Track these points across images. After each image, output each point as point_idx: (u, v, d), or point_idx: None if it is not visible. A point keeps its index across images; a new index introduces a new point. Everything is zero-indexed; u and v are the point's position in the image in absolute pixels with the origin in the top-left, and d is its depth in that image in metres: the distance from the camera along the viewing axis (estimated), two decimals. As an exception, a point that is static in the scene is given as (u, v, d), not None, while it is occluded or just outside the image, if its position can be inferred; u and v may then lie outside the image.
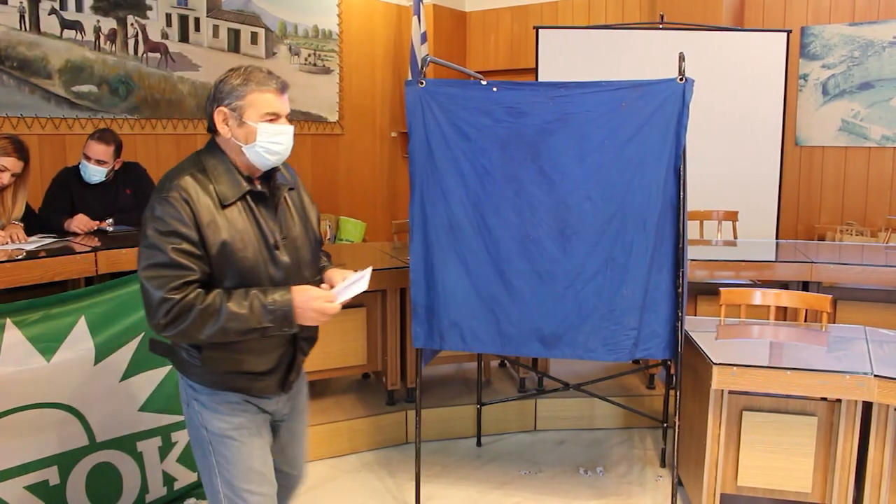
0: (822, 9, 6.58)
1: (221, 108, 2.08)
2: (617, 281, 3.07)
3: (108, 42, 5.32)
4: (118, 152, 3.96)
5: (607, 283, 3.07)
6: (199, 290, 2.00)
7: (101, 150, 3.88)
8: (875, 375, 2.79)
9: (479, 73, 4.22)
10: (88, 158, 3.87)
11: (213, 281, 2.05)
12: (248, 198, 2.11)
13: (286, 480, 2.42)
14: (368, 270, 2.16)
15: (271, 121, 2.10)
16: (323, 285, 2.22)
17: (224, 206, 2.05)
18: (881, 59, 6.35)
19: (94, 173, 3.89)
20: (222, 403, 2.18)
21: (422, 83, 3.01)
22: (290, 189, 2.26)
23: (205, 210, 2.02)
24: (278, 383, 2.24)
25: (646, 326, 3.12)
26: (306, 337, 2.27)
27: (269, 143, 2.10)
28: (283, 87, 2.15)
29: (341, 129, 7.15)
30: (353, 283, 2.14)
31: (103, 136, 3.92)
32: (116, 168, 3.98)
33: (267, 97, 2.10)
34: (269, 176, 2.20)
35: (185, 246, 1.98)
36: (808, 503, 3.12)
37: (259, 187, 2.16)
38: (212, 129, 2.13)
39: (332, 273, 2.27)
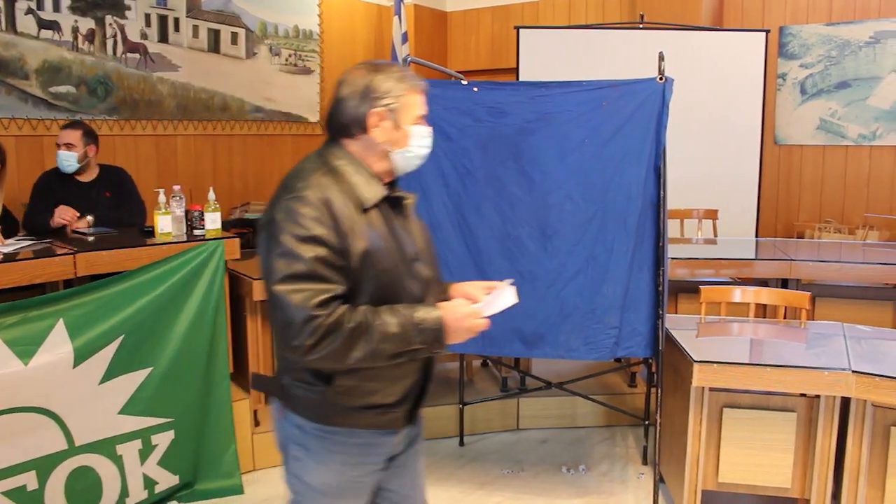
0: (800, 9, 6.63)
1: (379, 109, 1.86)
2: (598, 280, 3.09)
3: (87, 42, 5.27)
4: (89, 138, 3.99)
5: (588, 283, 3.09)
6: (346, 305, 1.76)
7: (67, 133, 3.93)
8: (853, 371, 2.82)
9: (459, 72, 4.22)
10: (59, 146, 3.92)
11: (351, 296, 1.80)
12: (384, 204, 1.88)
13: None
14: (510, 284, 1.95)
15: (419, 123, 1.93)
16: (457, 299, 1.96)
17: (364, 211, 1.82)
18: (857, 59, 6.41)
19: (65, 158, 3.90)
20: (336, 451, 1.91)
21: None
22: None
23: (345, 214, 1.78)
24: (406, 415, 1.97)
25: (627, 325, 3.14)
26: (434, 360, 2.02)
27: (419, 146, 1.92)
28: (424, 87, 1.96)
29: (322, 130, 7.13)
30: (498, 297, 1.94)
31: (71, 122, 4.02)
32: (90, 155, 3.99)
33: (418, 98, 1.92)
34: (393, 182, 1.99)
35: (327, 254, 1.74)
36: (789, 498, 3.15)
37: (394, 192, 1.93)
38: (340, 131, 1.91)
39: (468, 287, 2.03)
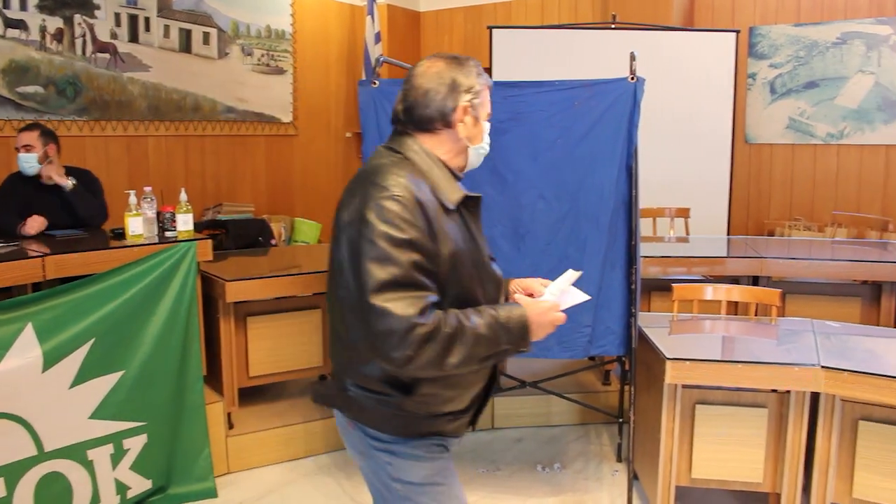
0: (769, 9, 6.72)
1: (464, 104, 1.82)
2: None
3: (55, 42, 5.21)
4: (47, 137, 3.95)
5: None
6: (440, 311, 1.70)
7: (24, 136, 3.89)
8: (822, 367, 2.86)
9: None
10: (17, 150, 3.88)
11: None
12: (461, 204, 1.83)
13: None
14: (574, 273, 1.94)
15: (488, 120, 1.92)
16: (517, 296, 1.96)
17: (447, 211, 1.77)
18: (825, 59, 6.50)
19: (25, 160, 3.87)
20: (419, 447, 1.86)
21: (375, 83, 3.00)
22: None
23: (434, 216, 1.72)
24: (470, 420, 1.96)
25: (600, 323, 3.16)
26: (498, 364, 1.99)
27: (487, 143, 1.91)
28: None
29: (295, 130, 7.09)
30: (566, 289, 1.92)
31: (27, 125, 3.98)
32: (51, 154, 3.95)
33: (489, 95, 1.90)
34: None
35: (422, 259, 1.68)
36: (760, 492, 3.19)
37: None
38: (420, 125, 1.84)
39: (527, 282, 2.02)
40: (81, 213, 3.94)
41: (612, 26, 5.98)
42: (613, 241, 3.10)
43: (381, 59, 3.34)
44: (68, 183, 3.90)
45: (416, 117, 1.83)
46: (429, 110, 1.81)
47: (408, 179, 1.73)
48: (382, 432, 1.84)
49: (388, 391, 1.80)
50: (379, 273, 1.64)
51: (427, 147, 1.83)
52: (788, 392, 3.01)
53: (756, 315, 3.67)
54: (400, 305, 1.63)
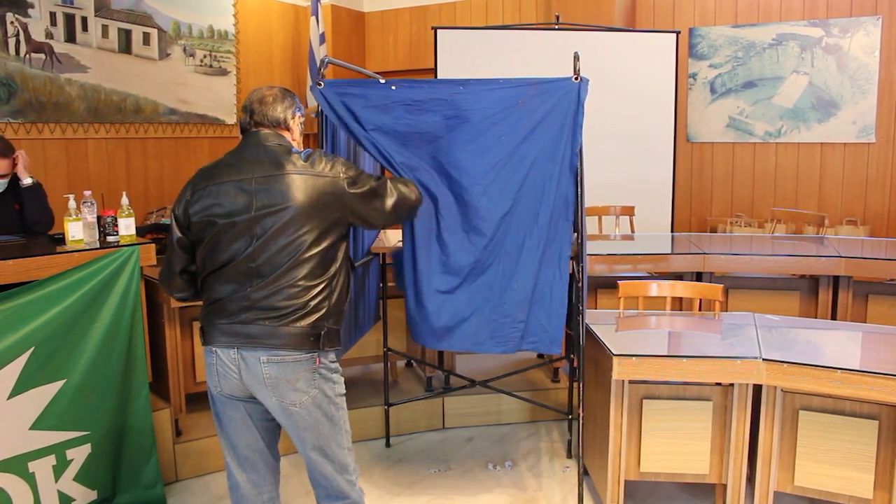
0: (708, 11, 6.87)
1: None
2: (508, 275, 3.09)
3: (-13, 42, 5.05)
4: (11, 152, 3.83)
5: (499, 277, 3.09)
6: None
7: (3, 164, 3.76)
8: (763, 359, 2.93)
9: (378, 73, 4.21)
10: None
11: None
12: None
13: None
14: None
15: None
16: None
17: None
18: (762, 60, 6.68)
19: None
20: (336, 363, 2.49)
21: (320, 84, 2.97)
22: None
23: None
24: None
25: (534, 320, 3.14)
26: None
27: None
28: None
29: (240, 132, 6.99)
30: None
31: (2, 149, 3.76)
32: (16, 161, 3.84)
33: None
34: None
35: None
36: (707, 484, 3.25)
37: None
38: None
39: None
40: (29, 215, 3.82)
41: (556, 27, 6.05)
42: (552, 240, 3.08)
43: (326, 60, 3.32)
44: (28, 179, 3.80)
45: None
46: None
47: (325, 153, 2.51)
48: (332, 350, 2.44)
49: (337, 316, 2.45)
50: (377, 181, 2.57)
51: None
52: (732, 385, 3.09)
53: (700, 310, 3.75)
54: (401, 184, 2.72)
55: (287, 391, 2.36)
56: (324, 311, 2.38)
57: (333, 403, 2.46)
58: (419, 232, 3.08)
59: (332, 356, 2.46)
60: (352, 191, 2.44)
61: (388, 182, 2.64)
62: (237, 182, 2.36)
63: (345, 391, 2.52)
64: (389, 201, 2.60)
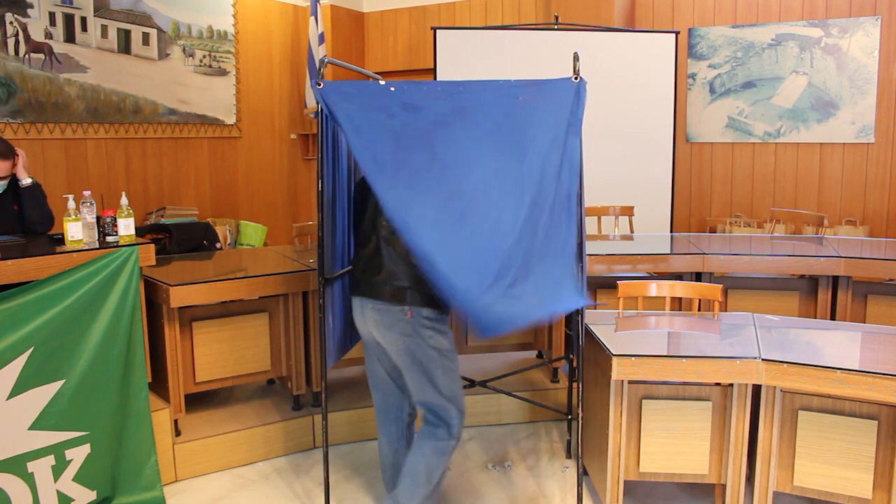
0: (707, 11, 6.87)
1: None
2: (511, 274, 3.08)
3: (-14, 42, 5.05)
4: (12, 153, 3.81)
5: (495, 269, 3.07)
6: None
7: (3, 166, 3.74)
8: (763, 359, 2.93)
9: (377, 73, 4.21)
10: None
11: None
12: None
13: None
14: None
15: None
16: None
17: None
18: (761, 60, 6.68)
19: None
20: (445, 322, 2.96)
21: (319, 84, 2.97)
22: None
23: None
24: None
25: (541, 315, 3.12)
26: None
27: None
28: None
29: (239, 132, 7.00)
30: None
31: (3, 151, 3.74)
32: (16, 162, 3.83)
33: None
34: None
35: None
36: (706, 484, 3.25)
37: None
38: None
39: None
40: (29, 215, 3.82)
41: (555, 27, 6.05)
42: (555, 234, 3.05)
43: (326, 59, 3.32)
44: (27, 179, 3.79)
45: None
46: None
47: None
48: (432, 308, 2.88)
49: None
50: None
51: None
52: (731, 385, 3.09)
53: (699, 310, 3.75)
54: None
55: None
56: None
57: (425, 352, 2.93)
58: (424, 238, 3.07)
59: (426, 312, 2.90)
60: None
61: None
62: None
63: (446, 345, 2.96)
64: None
